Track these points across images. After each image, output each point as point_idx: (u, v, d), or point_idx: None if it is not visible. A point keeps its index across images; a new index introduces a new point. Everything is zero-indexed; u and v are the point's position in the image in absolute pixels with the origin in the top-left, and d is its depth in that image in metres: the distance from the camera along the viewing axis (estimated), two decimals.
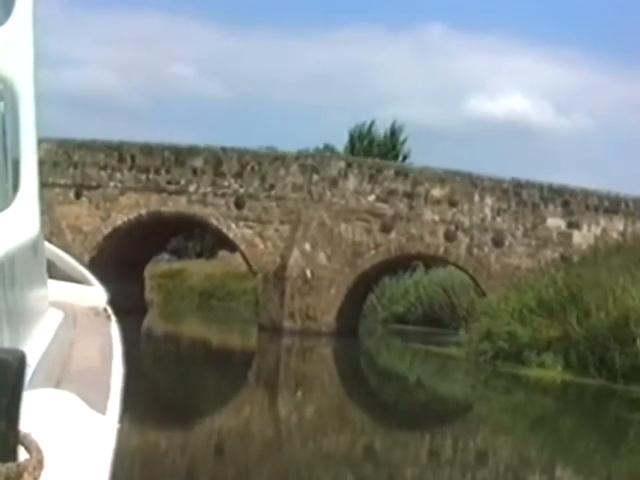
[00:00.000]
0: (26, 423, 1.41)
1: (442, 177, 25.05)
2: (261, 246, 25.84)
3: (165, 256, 46.22)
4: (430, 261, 28.84)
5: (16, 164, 1.73)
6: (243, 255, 26.89)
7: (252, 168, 26.14)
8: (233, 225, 26.08)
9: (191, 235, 46.21)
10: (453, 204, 24.83)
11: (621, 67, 77.28)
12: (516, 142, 71.07)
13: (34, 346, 2.79)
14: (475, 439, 13.39)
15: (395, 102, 73.44)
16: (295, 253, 24.96)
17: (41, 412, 1.80)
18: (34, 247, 3.04)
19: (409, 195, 25.17)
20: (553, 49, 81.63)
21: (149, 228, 27.14)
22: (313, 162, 26.29)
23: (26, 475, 1.32)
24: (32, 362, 2.32)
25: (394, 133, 42.82)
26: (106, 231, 26.25)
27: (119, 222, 26.71)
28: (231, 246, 30.11)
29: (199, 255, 46.64)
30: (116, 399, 2.59)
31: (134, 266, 28.07)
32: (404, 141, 42.60)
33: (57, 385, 2.44)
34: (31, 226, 1.66)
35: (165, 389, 16.38)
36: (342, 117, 68.55)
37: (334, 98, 77.38)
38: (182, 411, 13.47)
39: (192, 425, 12.32)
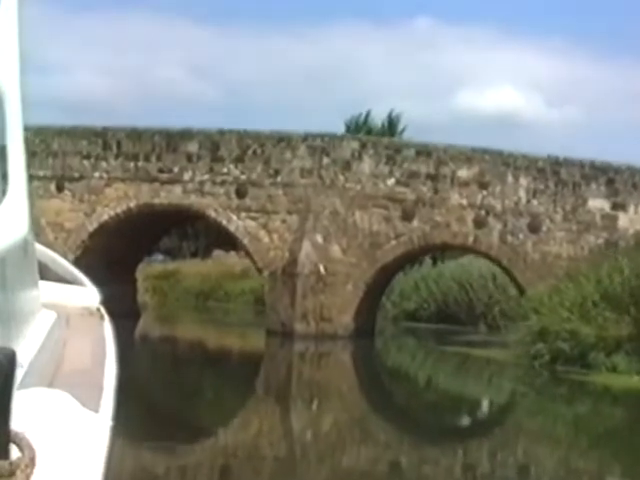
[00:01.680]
0: (20, 422, 1.54)
1: (469, 156, 24.32)
2: (266, 240, 25.15)
3: (159, 256, 47.77)
4: (458, 251, 28.11)
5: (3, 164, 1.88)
6: (246, 251, 26.06)
7: (254, 152, 25.42)
8: (234, 217, 25.45)
9: (185, 234, 48.63)
10: (483, 186, 24.15)
11: (611, 58, 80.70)
12: (507, 135, 71.68)
13: (27, 346, 2.90)
14: (527, 457, 12.29)
15: (383, 98, 75.76)
16: (306, 246, 24.23)
17: (34, 411, 1.93)
18: (24, 247, 3.14)
19: (433, 177, 24.48)
20: (541, 41, 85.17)
21: (140, 223, 26.60)
22: (323, 143, 25.29)
23: (18, 473, 1.44)
24: (25, 362, 2.40)
25: (392, 122, 43.62)
26: (91, 228, 25.78)
27: (106, 217, 26.20)
28: (231, 242, 30.22)
29: (194, 255, 47.77)
30: (109, 398, 2.77)
31: (124, 266, 27.36)
32: (403, 130, 43.02)
33: (50, 385, 2.62)
34: (20, 226, 1.81)
35: (164, 402, 16.02)
36: (330, 113, 69.56)
37: (321, 94, 79.93)
38: (183, 427, 13.19)
39: (194, 444, 12.04)
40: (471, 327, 29.61)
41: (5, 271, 2.50)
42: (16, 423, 1.50)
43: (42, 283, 4.38)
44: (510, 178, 24.19)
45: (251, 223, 25.49)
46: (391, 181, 24.87)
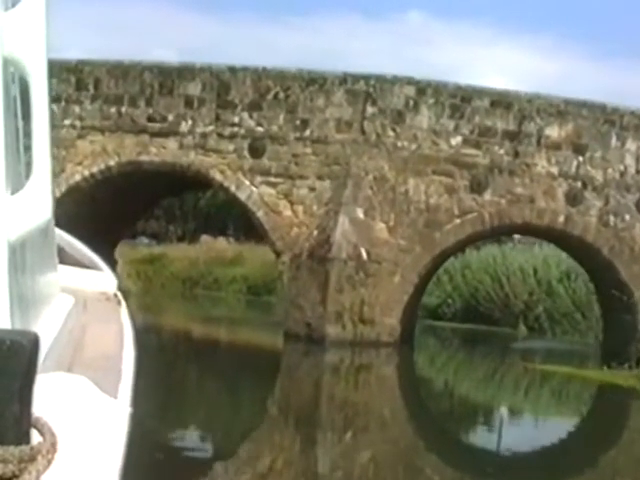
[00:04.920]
0: (39, 407, 1.81)
1: (562, 110, 23.52)
2: (288, 212, 24.25)
3: (144, 240, 51.92)
4: (544, 236, 26.25)
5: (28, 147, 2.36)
6: (261, 225, 24.66)
7: (275, 96, 24.24)
8: (246, 181, 24.48)
9: (173, 217, 52.86)
10: (578, 150, 23.36)
11: (602, 57, 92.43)
12: None
13: (45, 330, 3.41)
14: None
15: None
16: (342, 223, 23.08)
17: (53, 396, 2.26)
18: (45, 231, 3.70)
19: (513, 136, 23.49)
20: (532, 37, 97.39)
21: (122, 187, 25.62)
22: (367, 87, 23.89)
23: (40, 458, 1.71)
24: (44, 346, 2.58)
25: None
26: (58, 192, 24.65)
27: (77, 178, 25.60)
28: (221, 226, 29.76)
29: (181, 239, 50.86)
30: (128, 383, 3.29)
31: (100, 244, 25.58)
32: None
33: (69, 369, 3.12)
34: (43, 210, 2.34)
35: (154, 427, 14.49)
36: None
37: None
38: (180, 460, 12.82)
39: None
40: (507, 328, 30.44)
41: (26, 255, 2.98)
42: (36, 407, 1.73)
43: (60, 267, 5.10)
44: (614, 140, 23.60)
45: (269, 190, 24.62)
46: (457, 140, 23.90)
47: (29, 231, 2.31)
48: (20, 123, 2.67)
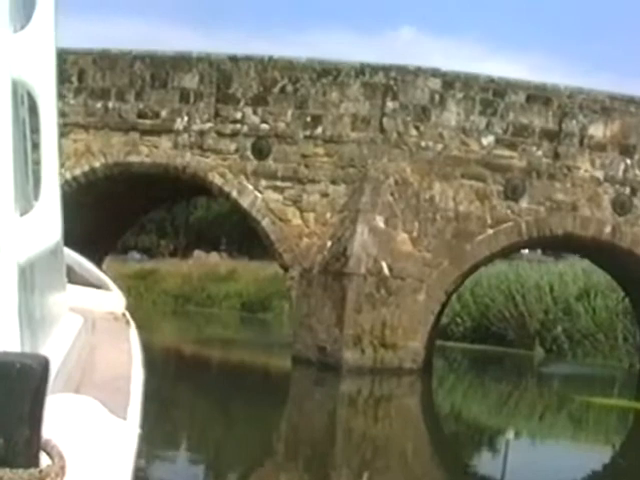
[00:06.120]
0: (47, 428, 1.88)
1: (607, 106, 23.04)
2: (297, 221, 23.59)
3: (135, 255, 53.78)
4: (589, 249, 25.31)
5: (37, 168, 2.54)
6: (266, 236, 23.91)
7: (282, 89, 23.61)
8: (249, 186, 23.87)
9: (164, 232, 55.03)
10: (626, 151, 22.85)
11: (588, 72, 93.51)
12: None
13: (54, 351, 3.39)
14: None
15: None
16: (360, 233, 22.18)
17: (61, 417, 2.30)
18: (55, 252, 3.67)
19: (552, 135, 22.91)
20: (522, 54, 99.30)
21: (109, 192, 25.19)
22: (387, 80, 23.10)
23: None
24: (52, 367, 2.46)
25: None
26: None
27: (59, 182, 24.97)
28: (214, 241, 32.75)
29: (173, 254, 53.33)
30: (137, 404, 3.34)
31: (86, 257, 27.16)
32: None
33: (77, 390, 3.15)
34: (53, 231, 2.48)
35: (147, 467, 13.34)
36: None
37: None
38: None
39: None
40: (523, 350, 30.39)
41: (35, 276, 2.95)
42: (45, 429, 1.82)
43: (69, 287, 5.30)
44: None
45: (275, 196, 23.88)
46: (489, 139, 23.15)
47: (38, 253, 2.44)
48: (29, 144, 2.84)
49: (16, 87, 2.39)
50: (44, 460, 1.83)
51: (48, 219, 2.40)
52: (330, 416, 20.49)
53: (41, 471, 1.78)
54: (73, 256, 6.22)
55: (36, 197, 2.47)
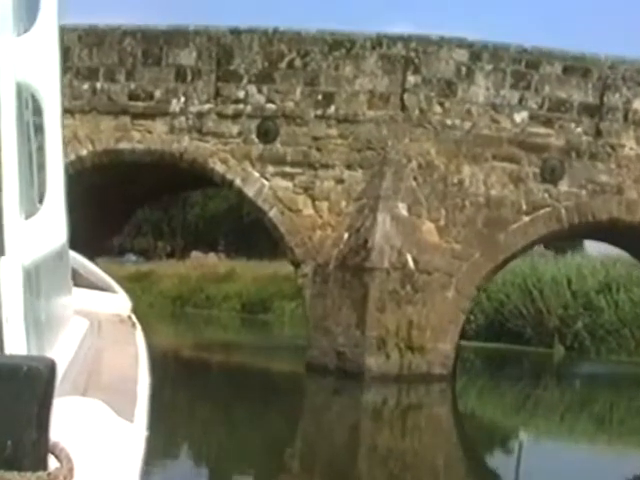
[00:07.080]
0: (55, 431, 1.91)
1: None
2: (309, 211, 22.37)
3: (131, 257, 54.41)
4: (630, 236, 23.78)
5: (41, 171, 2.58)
6: (275, 228, 22.64)
7: (290, 64, 22.35)
8: (255, 172, 22.67)
9: (160, 233, 55.60)
10: None
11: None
12: None
13: (60, 354, 3.52)
14: None
15: None
16: (382, 222, 20.85)
17: (69, 420, 2.35)
18: (60, 254, 3.82)
19: (593, 110, 21.80)
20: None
21: (98, 183, 23.53)
22: (408, 52, 21.86)
23: None
24: (59, 370, 2.61)
25: None
26: None
27: None
28: (212, 242, 33.93)
29: (170, 256, 53.93)
30: (144, 407, 3.42)
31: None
32: None
33: (84, 393, 3.17)
34: (58, 234, 2.57)
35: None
36: None
37: None
38: None
39: None
40: (542, 348, 29.96)
41: (40, 279, 3.05)
42: (52, 432, 1.85)
43: (74, 290, 5.41)
44: None
45: (284, 183, 22.67)
46: (522, 116, 21.97)
47: (44, 255, 2.49)
48: (33, 148, 2.84)
49: (20, 90, 2.47)
50: (52, 463, 1.83)
51: (53, 222, 2.50)
52: (352, 430, 19.35)
53: (49, 474, 1.79)
54: (78, 259, 6.26)
55: (41, 200, 2.55)
